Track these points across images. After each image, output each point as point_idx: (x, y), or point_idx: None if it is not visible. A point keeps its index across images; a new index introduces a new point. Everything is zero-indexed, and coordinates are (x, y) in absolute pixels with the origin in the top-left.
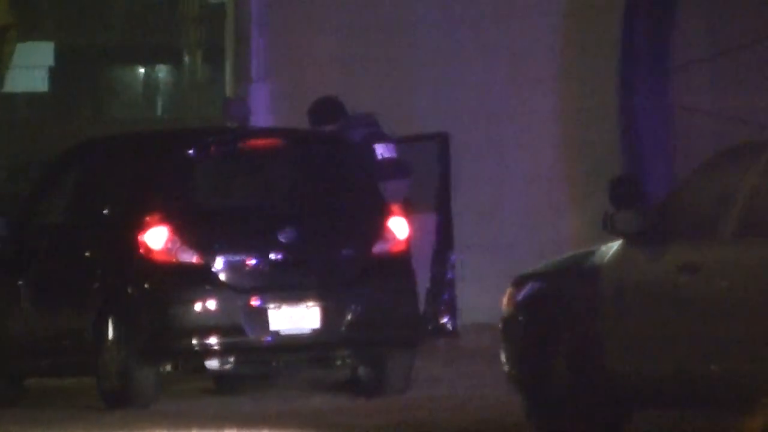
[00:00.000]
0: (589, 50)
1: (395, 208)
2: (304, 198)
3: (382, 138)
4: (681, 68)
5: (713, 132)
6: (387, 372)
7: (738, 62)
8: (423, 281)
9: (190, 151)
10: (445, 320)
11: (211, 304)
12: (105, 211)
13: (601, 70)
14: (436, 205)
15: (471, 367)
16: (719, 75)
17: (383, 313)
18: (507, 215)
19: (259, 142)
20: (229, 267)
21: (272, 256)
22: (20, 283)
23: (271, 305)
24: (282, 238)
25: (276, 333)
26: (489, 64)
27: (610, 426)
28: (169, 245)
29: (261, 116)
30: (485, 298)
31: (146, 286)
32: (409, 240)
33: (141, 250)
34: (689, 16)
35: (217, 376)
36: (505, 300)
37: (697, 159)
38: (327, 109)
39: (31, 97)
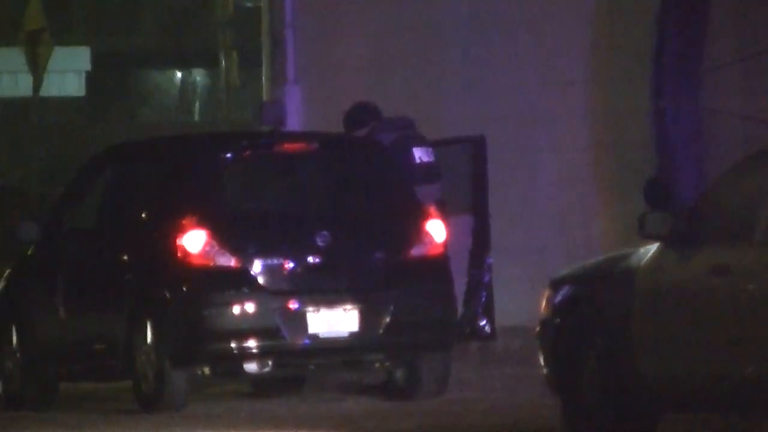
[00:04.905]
0: (620, 53)
1: (432, 210)
2: (339, 201)
3: (419, 141)
4: (711, 71)
5: (743, 135)
6: (422, 375)
7: None
8: (460, 284)
9: (226, 155)
10: (482, 323)
11: (249, 307)
12: (140, 215)
13: (632, 72)
14: (472, 208)
15: (502, 370)
16: (749, 78)
17: (420, 316)
18: (538, 218)
19: (294, 146)
20: (267, 270)
21: (309, 259)
22: (53, 287)
23: (310, 308)
24: (319, 242)
25: (314, 336)
26: (520, 67)
27: (642, 430)
28: (207, 248)
29: (293, 119)
30: (516, 301)
31: (184, 289)
32: (446, 243)
33: (178, 254)
34: (720, 19)
35: (254, 379)
36: (542, 302)
37: (727, 162)
38: (358, 114)
39: (66, 101)
